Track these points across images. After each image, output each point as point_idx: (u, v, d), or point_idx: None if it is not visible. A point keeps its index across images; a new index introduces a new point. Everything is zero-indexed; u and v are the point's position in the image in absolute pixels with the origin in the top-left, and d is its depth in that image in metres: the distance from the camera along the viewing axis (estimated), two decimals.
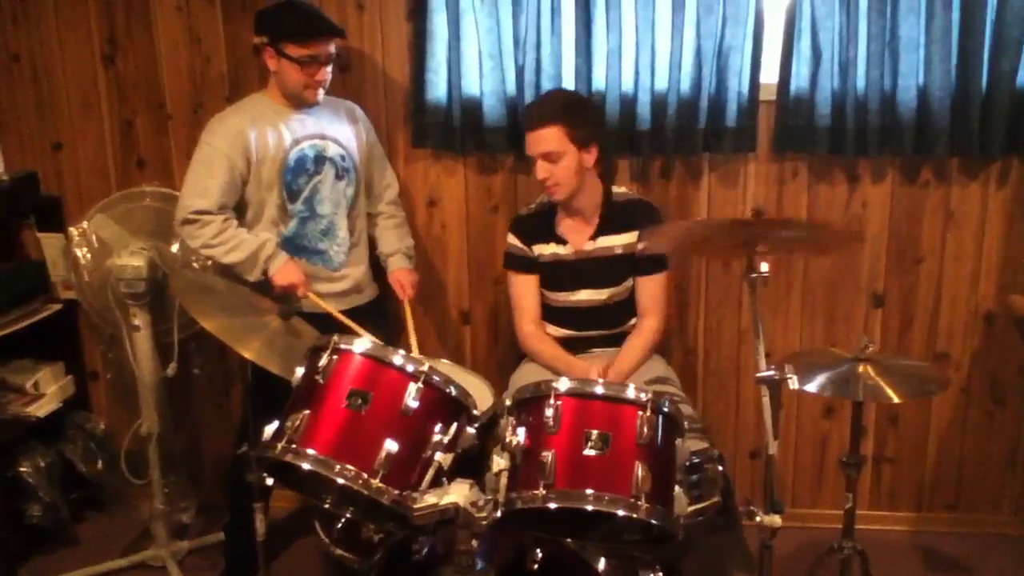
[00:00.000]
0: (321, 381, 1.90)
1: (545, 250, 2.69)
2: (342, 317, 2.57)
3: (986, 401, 3.07)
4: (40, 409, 3.08)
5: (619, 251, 2.65)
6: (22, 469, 3.02)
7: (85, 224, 2.89)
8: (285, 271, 2.60)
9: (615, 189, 2.72)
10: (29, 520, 3.02)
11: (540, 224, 2.70)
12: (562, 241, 2.68)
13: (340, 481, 1.81)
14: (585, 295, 2.68)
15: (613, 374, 2.54)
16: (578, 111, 2.56)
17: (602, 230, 2.67)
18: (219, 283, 2.53)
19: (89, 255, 2.89)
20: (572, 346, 2.70)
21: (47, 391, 3.14)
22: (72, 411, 3.26)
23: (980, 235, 2.93)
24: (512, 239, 2.73)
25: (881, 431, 3.12)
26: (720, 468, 1.99)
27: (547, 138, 2.50)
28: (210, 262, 2.74)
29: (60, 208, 3.19)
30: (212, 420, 3.33)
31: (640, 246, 2.61)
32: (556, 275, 2.69)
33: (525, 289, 2.72)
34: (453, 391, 1.93)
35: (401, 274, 2.83)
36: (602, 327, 2.70)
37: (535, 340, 2.69)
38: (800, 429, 3.14)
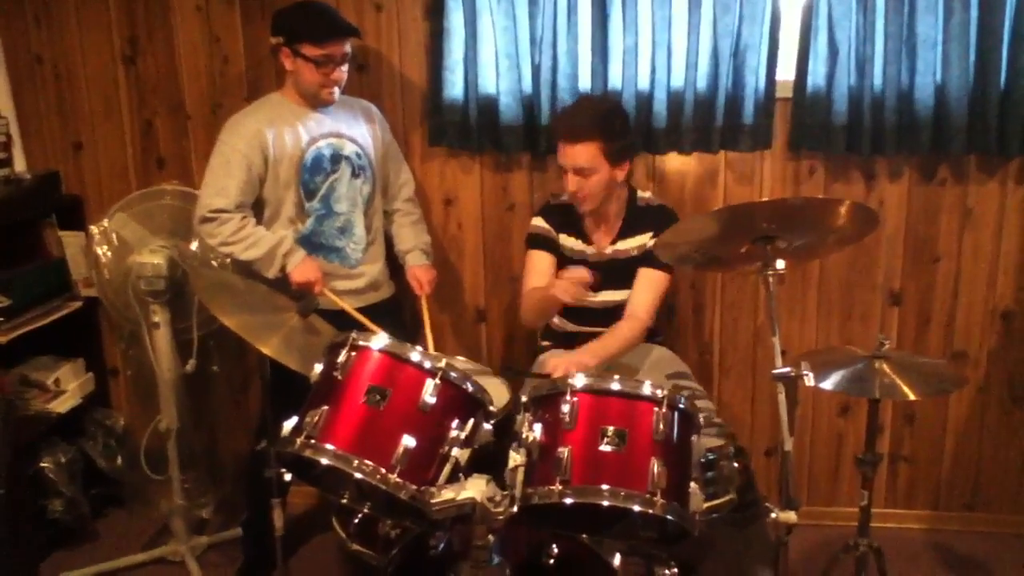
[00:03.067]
0: (340, 377, 1.92)
1: (568, 242, 2.70)
2: (357, 314, 2.59)
3: (1004, 400, 3.05)
4: (61, 405, 3.12)
5: (635, 253, 2.67)
6: (43, 465, 3.06)
7: (106, 223, 2.93)
8: (303, 268, 2.62)
9: (640, 194, 2.72)
10: (50, 515, 3.06)
11: (570, 216, 2.70)
12: (588, 240, 2.69)
13: (358, 476, 1.82)
14: (604, 296, 2.68)
15: (588, 355, 2.43)
16: (615, 125, 2.51)
17: (623, 234, 2.68)
18: (238, 281, 2.55)
19: (110, 253, 2.92)
20: (584, 341, 2.70)
21: (68, 388, 3.18)
22: (92, 408, 3.30)
23: (998, 233, 2.92)
24: (539, 221, 2.72)
25: (897, 429, 3.11)
26: (736, 464, 2.00)
27: (583, 154, 2.48)
28: (229, 260, 2.77)
29: (81, 207, 3.23)
30: (230, 417, 3.36)
31: (649, 244, 2.63)
32: None
33: (540, 266, 2.67)
34: (470, 387, 1.94)
35: (418, 270, 2.85)
36: (615, 323, 2.71)
37: (528, 294, 2.65)
38: (816, 427, 3.14)
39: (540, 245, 2.71)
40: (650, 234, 2.64)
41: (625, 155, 2.56)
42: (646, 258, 2.63)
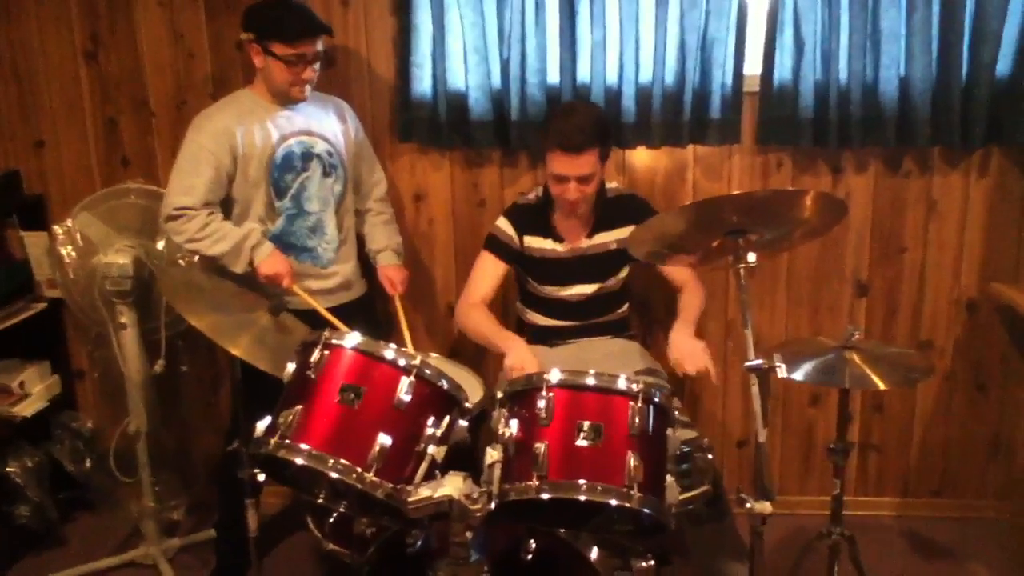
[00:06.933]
0: (313, 376, 1.90)
1: (536, 243, 2.70)
2: (327, 313, 2.56)
3: (969, 388, 3.11)
4: (26, 409, 3.07)
5: (614, 246, 2.68)
6: (9, 470, 3.01)
7: (70, 222, 2.88)
8: (271, 261, 2.59)
9: (607, 185, 2.73)
10: (17, 521, 3.02)
11: (538, 216, 2.70)
12: (558, 238, 2.69)
13: (334, 476, 1.81)
14: (576, 289, 2.70)
15: (682, 322, 2.55)
16: (608, 129, 2.56)
17: (598, 227, 2.69)
18: (205, 280, 2.52)
19: (74, 253, 2.87)
20: (556, 335, 2.73)
21: (33, 390, 3.13)
22: (59, 410, 3.24)
23: (962, 224, 2.97)
24: (504, 224, 2.72)
25: (866, 419, 3.15)
26: (710, 457, 2.02)
27: (587, 162, 2.48)
28: (196, 258, 2.73)
29: (44, 207, 3.17)
30: (201, 417, 3.32)
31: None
32: (547, 270, 2.71)
33: (491, 271, 2.70)
34: (445, 384, 1.93)
35: (390, 270, 2.84)
36: (590, 317, 2.73)
37: (473, 310, 2.64)
38: (787, 418, 3.17)
39: (497, 250, 2.71)
40: (632, 228, 2.64)
41: (610, 154, 2.60)
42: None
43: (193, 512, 3.18)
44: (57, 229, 2.90)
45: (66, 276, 2.90)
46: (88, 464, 3.21)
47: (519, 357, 2.39)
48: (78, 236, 2.87)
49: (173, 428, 3.26)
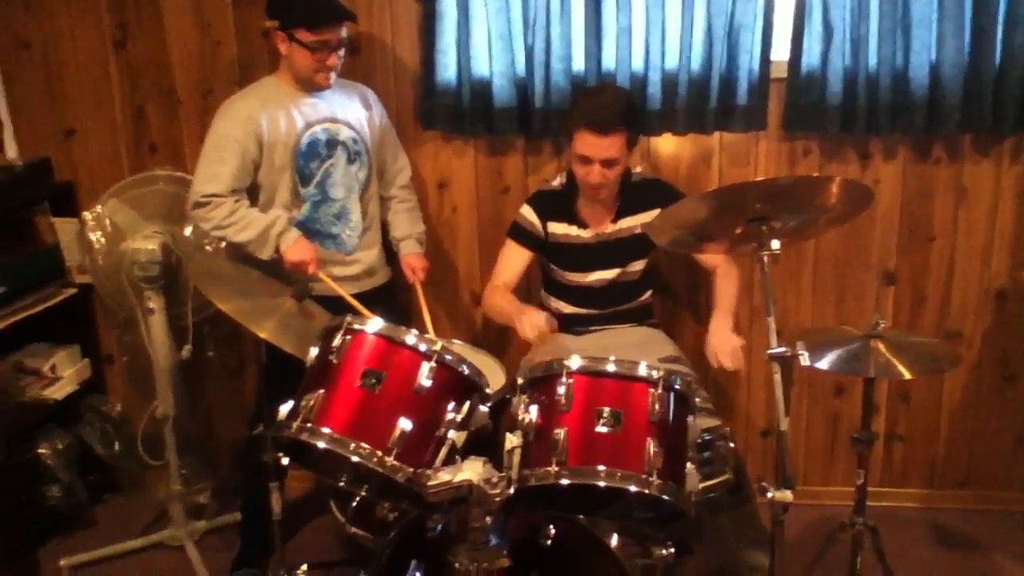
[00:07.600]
0: (335, 361, 1.92)
1: (560, 229, 2.69)
2: (351, 299, 2.58)
3: (997, 378, 3.06)
4: (57, 392, 3.12)
5: (639, 231, 2.67)
6: (40, 452, 3.07)
7: (99, 209, 2.91)
8: (297, 248, 2.60)
9: (633, 170, 2.72)
10: (48, 502, 3.07)
11: (562, 202, 2.70)
12: (583, 224, 2.69)
13: (355, 459, 1.83)
14: (597, 275, 2.69)
15: (721, 314, 2.51)
16: (637, 114, 2.57)
17: (622, 212, 2.68)
18: (231, 266, 2.55)
19: (103, 239, 2.91)
20: (580, 323, 2.72)
21: (64, 374, 3.18)
22: (89, 394, 3.29)
23: (992, 212, 2.92)
24: (527, 212, 2.72)
25: (892, 409, 3.12)
26: (731, 445, 2.01)
27: (614, 145, 2.47)
28: (223, 244, 2.76)
29: (74, 193, 3.21)
30: (226, 402, 3.36)
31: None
32: (572, 256, 2.70)
33: (514, 259, 2.72)
34: (466, 370, 1.94)
35: (412, 259, 2.85)
36: (611, 304, 2.72)
37: (495, 292, 2.67)
38: (811, 407, 3.15)
39: (520, 237, 2.72)
40: (658, 211, 2.64)
41: (637, 141, 2.60)
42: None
43: (219, 495, 3.22)
44: (87, 215, 2.93)
45: (95, 262, 2.94)
46: (117, 447, 3.25)
47: (529, 322, 2.37)
48: (107, 222, 2.91)
49: (199, 412, 3.30)
